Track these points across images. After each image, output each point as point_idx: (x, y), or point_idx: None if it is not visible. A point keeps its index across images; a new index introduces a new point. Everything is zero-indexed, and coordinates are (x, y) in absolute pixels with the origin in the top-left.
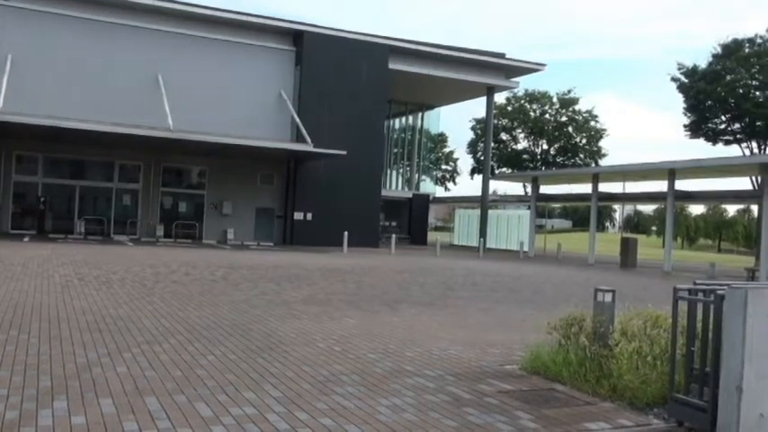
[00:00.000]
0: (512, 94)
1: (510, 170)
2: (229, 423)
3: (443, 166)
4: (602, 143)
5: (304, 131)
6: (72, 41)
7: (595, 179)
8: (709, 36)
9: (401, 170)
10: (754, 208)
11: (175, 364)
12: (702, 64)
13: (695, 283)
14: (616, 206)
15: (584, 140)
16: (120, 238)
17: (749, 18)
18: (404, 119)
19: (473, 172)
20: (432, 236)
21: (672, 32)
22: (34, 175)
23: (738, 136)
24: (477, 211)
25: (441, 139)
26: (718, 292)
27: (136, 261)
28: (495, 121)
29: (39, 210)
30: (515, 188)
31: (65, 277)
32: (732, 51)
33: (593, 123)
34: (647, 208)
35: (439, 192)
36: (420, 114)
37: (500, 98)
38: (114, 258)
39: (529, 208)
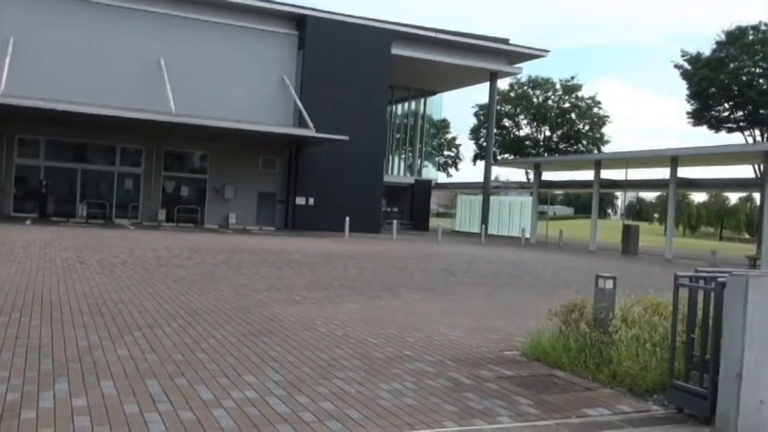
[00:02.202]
0: (515, 81)
1: (512, 156)
2: (230, 406)
3: (446, 152)
4: (604, 130)
5: (306, 116)
6: (74, 24)
7: (598, 166)
8: (713, 24)
9: (403, 156)
10: (757, 196)
11: (176, 348)
12: (706, 51)
13: (696, 271)
14: (618, 193)
15: (586, 127)
16: (122, 221)
17: (754, 5)
18: (406, 104)
19: (475, 158)
20: (433, 222)
21: (675, 19)
22: (36, 159)
23: (741, 124)
24: (480, 198)
25: (443, 125)
26: (719, 279)
27: (138, 245)
28: (498, 108)
29: (41, 193)
30: (517, 174)
31: (66, 261)
32: (736, 38)
33: (595, 110)
34: (650, 195)
35: (441, 178)
36: (422, 100)
37: (503, 84)
38: (116, 242)
39: (531, 194)
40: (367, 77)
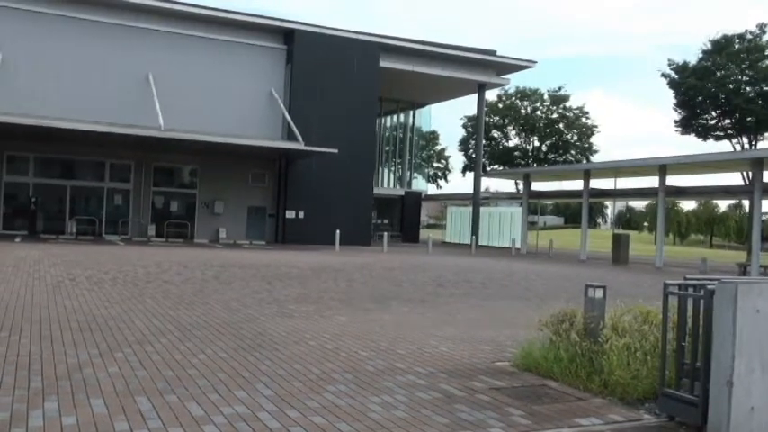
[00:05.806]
0: (503, 92)
1: (501, 167)
2: (221, 422)
3: (435, 164)
4: (593, 140)
5: (295, 130)
6: (63, 41)
7: (587, 176)
8: (699, 33)
9: (393, 168)
10: (746, 203)
11: (167, 364)
12: (693, 60)
13: (686, 278)
14: (608, 202)
15: (575, 137)
16: (112, 238)
17: (741, 14)
18: (395, 117)
19: (465, 169)
20: (424, 233)
21: (662, 29)
22: (25, 176)
23: (729, 131)
24: (469, 209)
25: (432, 137)
26: (709, 287)
27: (127, 261)
28: (487, 119)
29: (30, 210)
30: (507, 185)
31: (56, 277)
32: (722, 47)
33: (584, 120)
34: (639, 204)
35: (431, 189)
36: (411, 112)
37: (491, 95)
38: (105, 258)
39: (521, 205)
40: (355, 90)
